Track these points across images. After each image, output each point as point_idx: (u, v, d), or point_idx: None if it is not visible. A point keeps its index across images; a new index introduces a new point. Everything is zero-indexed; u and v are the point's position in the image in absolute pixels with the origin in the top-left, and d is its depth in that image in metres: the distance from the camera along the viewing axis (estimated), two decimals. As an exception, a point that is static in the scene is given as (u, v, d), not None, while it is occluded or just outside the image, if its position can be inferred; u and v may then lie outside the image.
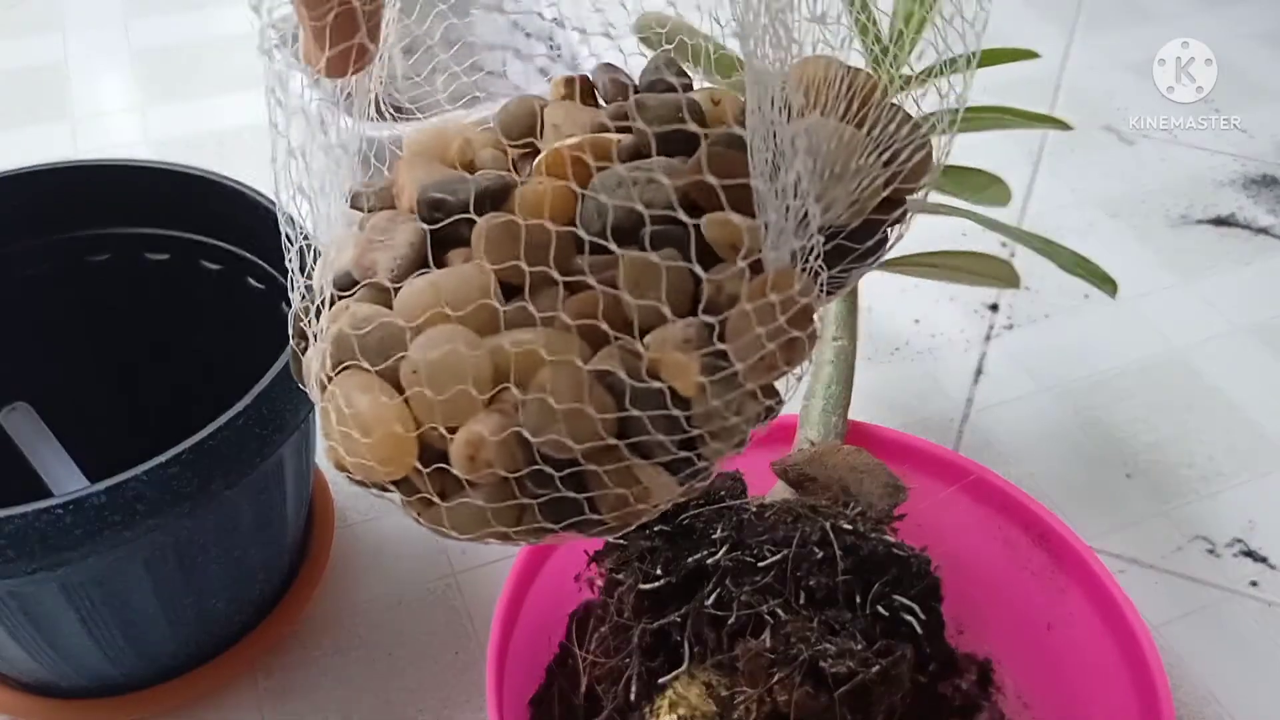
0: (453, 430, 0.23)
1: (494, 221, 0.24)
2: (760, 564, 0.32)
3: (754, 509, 0.34)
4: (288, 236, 0.26)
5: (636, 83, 0.29)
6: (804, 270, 0.23)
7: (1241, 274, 0.63)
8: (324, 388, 0.24)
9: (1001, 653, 0.39)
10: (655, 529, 0.33)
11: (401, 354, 0.23)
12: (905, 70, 0.42)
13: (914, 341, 0.58)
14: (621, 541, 0.34)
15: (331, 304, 0.26)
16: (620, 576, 0.33)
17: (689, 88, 0.29)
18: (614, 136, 0.26)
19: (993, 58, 0.42)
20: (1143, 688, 0.34)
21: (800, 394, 0.41)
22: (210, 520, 0.35)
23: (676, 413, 0.22)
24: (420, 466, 0.23)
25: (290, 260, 0.26)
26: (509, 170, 0.28)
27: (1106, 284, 0.43)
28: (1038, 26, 0.84)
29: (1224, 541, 0.48)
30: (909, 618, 0.32)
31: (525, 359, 0.23)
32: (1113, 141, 0.73)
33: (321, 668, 0.43)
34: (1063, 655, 0.37)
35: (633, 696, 0.31)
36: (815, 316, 0.23)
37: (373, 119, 0.30)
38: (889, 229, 0.28)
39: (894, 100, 0.28)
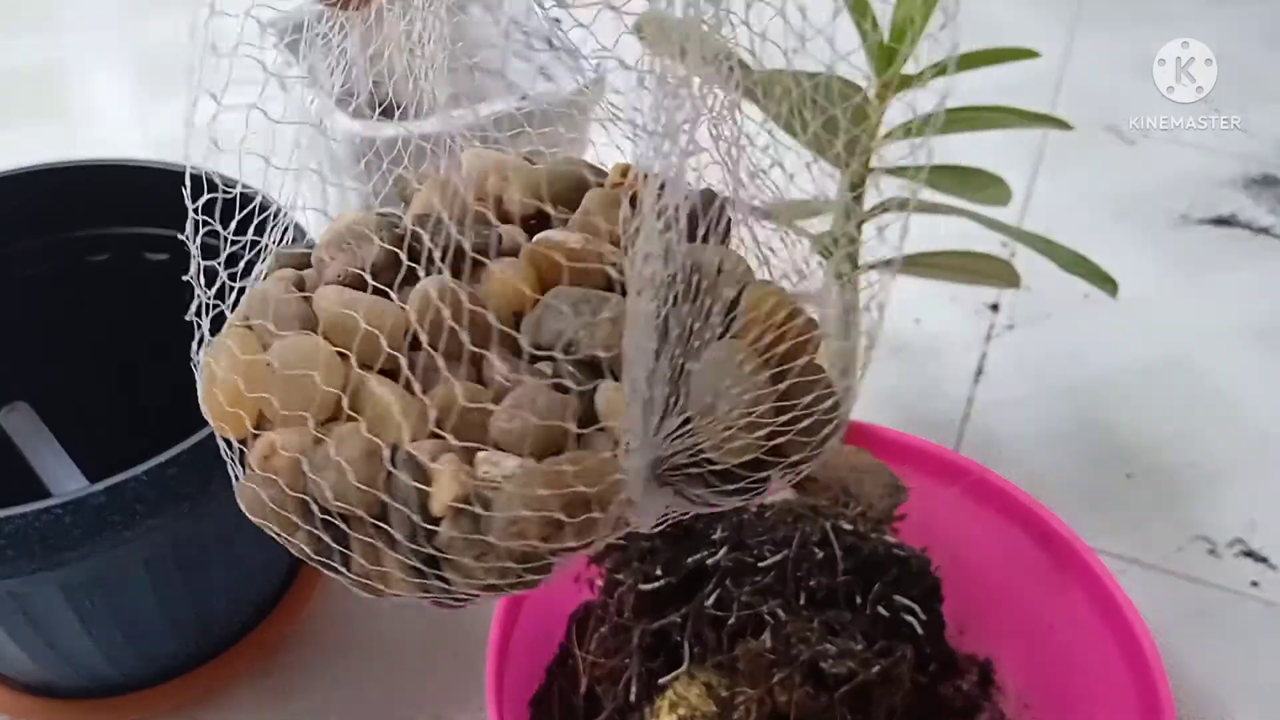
0: (267, 426, 0.24)
1: (440, 287, 0.24)
2: (760, 564, 0.31)
3: (754, 509, 0.34)
4: (192, 193, 0.27)
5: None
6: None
7: (1242, 274, 0.63)
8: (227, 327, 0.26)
9: (1002, 653, 0.39)
10: (656, 529, 0.33)
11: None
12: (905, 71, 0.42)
13: (915, 341, 0.58)
14: (621, 542, 0.34)
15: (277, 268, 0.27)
16: (620, 577, 0.33)
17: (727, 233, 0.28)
18: (611, 259, 0.26)
19: (993, 57, 0.42)
20: (1143, 688, 0.34)
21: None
22: (210, 520, 0.35)
23: (416, 519, 0.22)
24: (234, 440, 0.25)
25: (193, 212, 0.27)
26: (525, 225, 0.27)
27: (1107, 284, 0.43)
28: (1038, 26, 0.84)
29: (1225, 542, 0.48)
30: (909, 618, 0.32)
31: (340, 403, 0.24)
32: (1114, 141, 0.73)
33: (321, 668, 0.43)
34: (1063, 656, 0.37)
35: (633, 697, 0.31)
36: (612, 508, 0.23)
37: (369, 118, 0.30)
38: (766, 479, 0.25)
39: (821, 361, 0.25)
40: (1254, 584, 0.47)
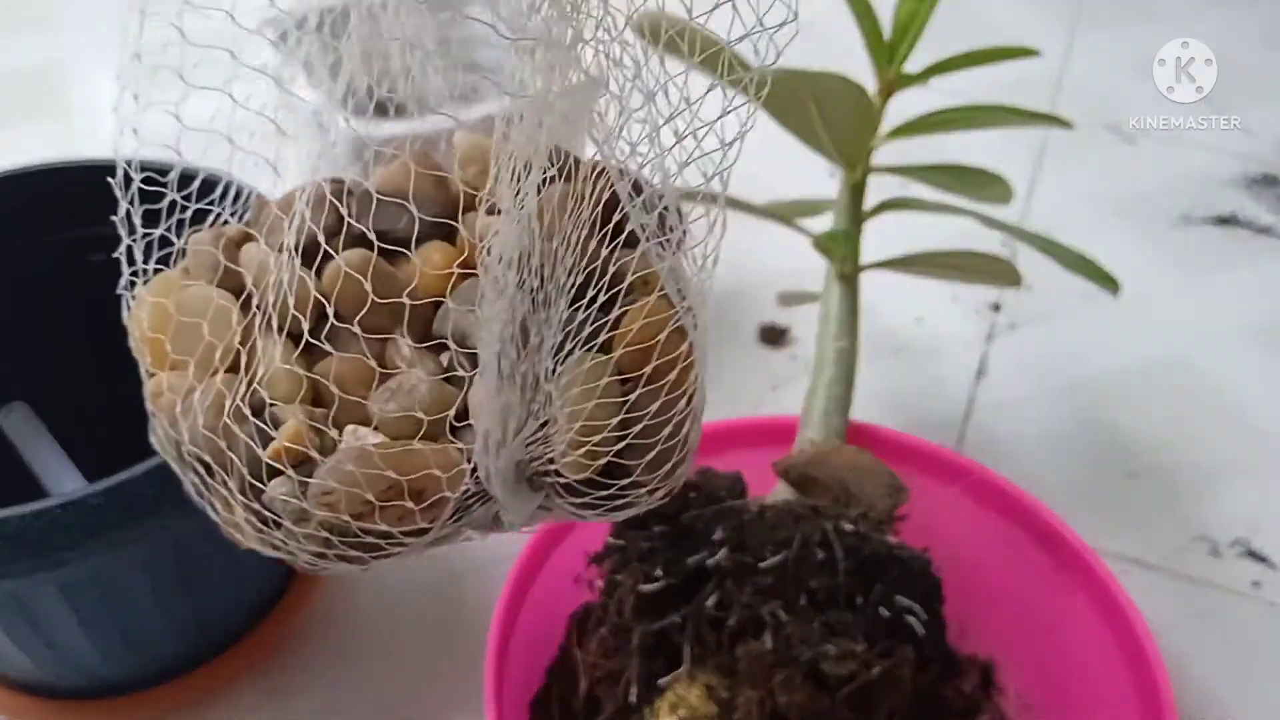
0: (166, 366, 0.25)
1: (357, 262, 0.25)
2: (761, 565, 0.31)
3: (755, 510, 0.34)
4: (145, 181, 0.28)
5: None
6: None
7: (1243, 274, 0.63)
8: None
9: (1003, 654, 0.39)
10: (656, 530, 0.33)
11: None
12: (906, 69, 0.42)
13: (916, 341, 0.58)
14: (621, 543, 0.34)
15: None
16: (620, 578, 0.33)
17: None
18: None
19: (993, 56, 0.42)
20: (1145, 688, 0.34)
21: (801, 394, 0.41)
22: (209, 521, 0.35)
23: (244, 473, 0.23)
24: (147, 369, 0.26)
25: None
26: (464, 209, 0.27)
27: (1108, 283, 0.43)
28: (1038, 25, 0.84)
29: (1226, 542, 0.48)
30: (910, 619, 0.32)
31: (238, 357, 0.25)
32: (1115, 140, 0.73)
33: (321, 668, 0.43)
34: (1065, 656, 0.37)
35: (633, 698, 0.31)
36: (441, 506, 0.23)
37: (369, 117, 0.30)
38: (618, 500, 0.25)
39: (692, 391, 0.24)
40: (1255, 584, 0.47)
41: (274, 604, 0.43)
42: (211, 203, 0.29)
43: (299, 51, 0.31)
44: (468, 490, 0.24)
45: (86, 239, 0.44)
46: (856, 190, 0.44)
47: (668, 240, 0.24)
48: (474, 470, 0.23)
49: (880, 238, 0.46)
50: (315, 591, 0.44)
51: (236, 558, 0.38)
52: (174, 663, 0.40)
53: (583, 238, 0.24)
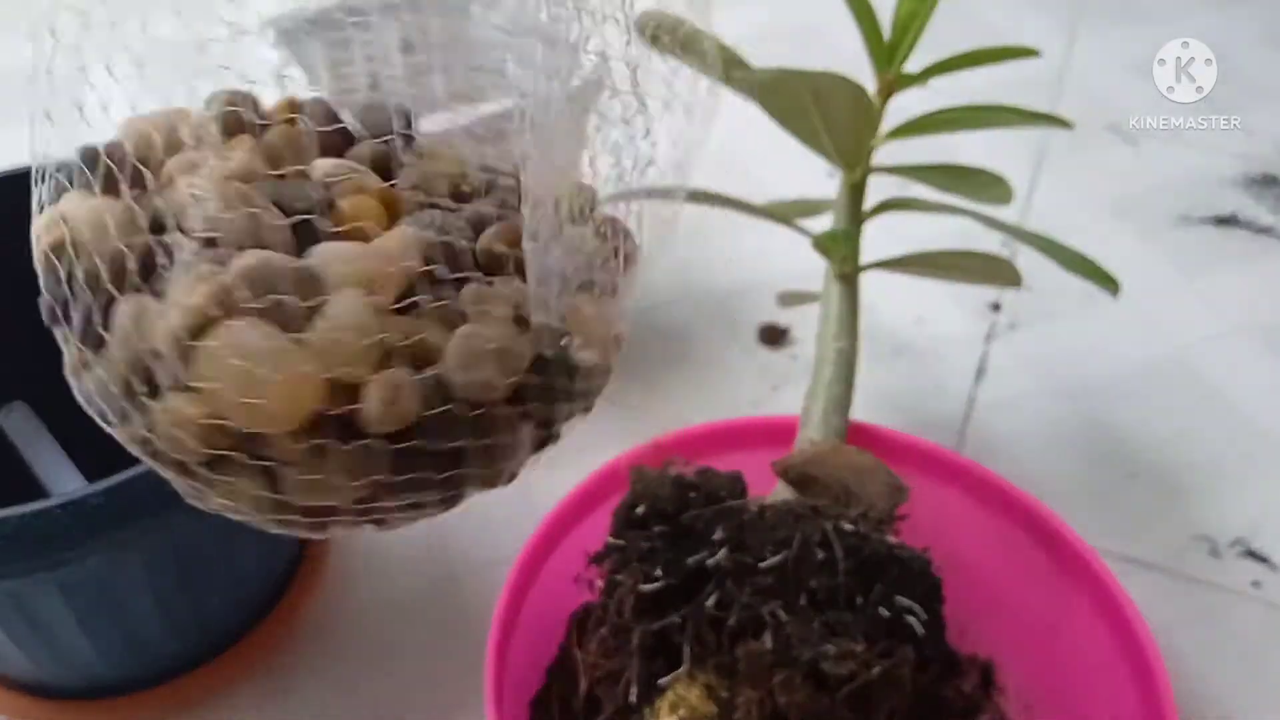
0: (349, 383, 0.26)
1: (440, 225, 0.29)
2: (761, 565, 0.31)
3: (755, 510, 0.34)
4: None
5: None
6: None
7: (1244, 274, 0.63)
8: (199, 332, 0.26)
9: (1003, 654, 0.39)
10: (656, 530, 0.33)
11: (314, 305, 0.26)
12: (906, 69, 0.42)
13: (916, 341, 0.58)
14: (621, 543, 0.34)
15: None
16: (620, 578, 0.33)
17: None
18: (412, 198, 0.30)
19: (994, 55, 0.42)
20: (1145, 689, 0.34)
21: (801, 394, 0.41)
22: (209, 521, 0.35)
23: (574, 363, 0.29)
24: (298, 425, 0.26)
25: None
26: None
27: (1108, 283, 0.43)
28: (1039, 25, 0.84)
29: (1226, 542, 0.48)
30: (910, 619, 0.31)
31: (418, 336, 0.26)
32: (1115, 141, 0.73)
33: (321, 668, 0.43)
34: (1065, 656, 0.37)
35: (633, 698, 0.31)
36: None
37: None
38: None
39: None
40: (1255, 584, 0.47)
41: (274, 604, 0.43)
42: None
43: (300, 52, 0.31)
44: None
45: (86, 239, 0.44)
46: (856, 190, 0.44)
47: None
48: None
49: (880, 238, 0.46)
50: (315, 591, 0.44)
51: (236, 558, 0.38)
52: (174, 663, 0.40)
53: None
